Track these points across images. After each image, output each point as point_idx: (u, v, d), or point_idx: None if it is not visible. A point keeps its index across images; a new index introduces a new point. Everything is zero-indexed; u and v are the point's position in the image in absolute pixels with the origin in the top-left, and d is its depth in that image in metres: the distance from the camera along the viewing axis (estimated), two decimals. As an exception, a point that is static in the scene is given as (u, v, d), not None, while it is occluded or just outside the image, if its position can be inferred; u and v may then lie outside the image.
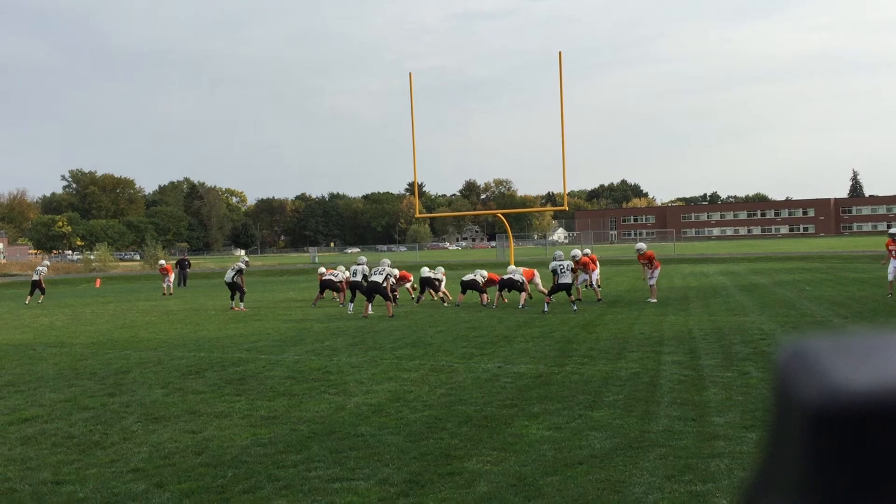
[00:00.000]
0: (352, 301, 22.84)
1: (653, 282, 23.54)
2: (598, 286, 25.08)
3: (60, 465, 7.57)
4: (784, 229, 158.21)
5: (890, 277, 21.41)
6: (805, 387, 0.52)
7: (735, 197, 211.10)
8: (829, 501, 0.50)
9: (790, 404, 0.53)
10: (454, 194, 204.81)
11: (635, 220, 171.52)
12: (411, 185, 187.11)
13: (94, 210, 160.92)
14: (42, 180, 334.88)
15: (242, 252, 32.37)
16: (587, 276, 24.97)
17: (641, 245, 24.86)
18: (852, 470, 0.49)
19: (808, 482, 0.51)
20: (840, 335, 0.56)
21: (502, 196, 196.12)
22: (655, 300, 22.75)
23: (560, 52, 36.31)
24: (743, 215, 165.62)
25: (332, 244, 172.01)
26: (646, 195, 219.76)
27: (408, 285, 27.64)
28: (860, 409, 0.49)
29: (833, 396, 0.50)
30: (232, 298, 25.41)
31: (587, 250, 26.90)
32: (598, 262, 25.98)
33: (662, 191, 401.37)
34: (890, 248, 21.62)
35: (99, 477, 7.13)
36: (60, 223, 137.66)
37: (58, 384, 12.07)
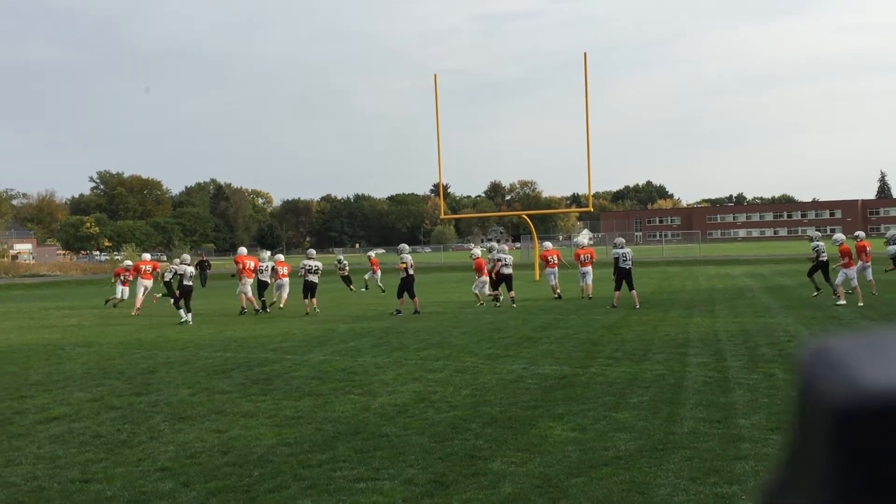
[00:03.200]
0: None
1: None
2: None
3: (88, 463, 7.65)
4: (811, 230, 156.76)
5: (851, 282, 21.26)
6: (829, 385, 0.52)
7: (761, 198, 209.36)
8: (853, 499, 0.50)
9: (814, 403, 0.53)
10: (479, 195, 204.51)
11: (661, 221, 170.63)
12: (436, 186, 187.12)
13: (121, 211, 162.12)
14: (70, 182, 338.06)
15: (268, 253, 31.68)
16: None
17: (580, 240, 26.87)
18: (876, 468, 0.50)
19: (832, 480, 0.51)
20: (863, 334, 0.56)
21: (527, 197, 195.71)
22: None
23: (585, 53, 36.24)
24: (769, 216, 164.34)
25: (357, 245, 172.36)
26: (671, 196, 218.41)
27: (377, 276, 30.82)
28: (884, 407, 0.49)
29: (857, 394, 0.50)
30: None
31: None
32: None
33: (688, 192, 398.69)
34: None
35: (126, 476, 7.20)
36: (88, 224, 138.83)
37: (86, 383, 12.19)
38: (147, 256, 29.46)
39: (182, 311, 22.01)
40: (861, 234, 23.52)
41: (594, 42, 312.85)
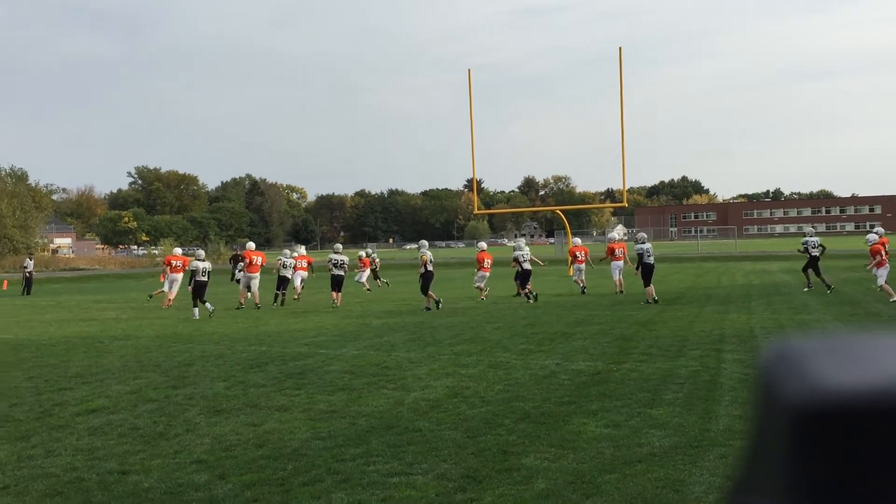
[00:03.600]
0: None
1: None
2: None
3: (126, 455, 7.74)
4: (850, 226, 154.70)
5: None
6: (789, 386, 0.52)
7: (799, 193, 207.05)
8: (813, 500, 0.51)
9: (774, 404, 0.53)
10: (513, 191, 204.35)
11: (696, 216, 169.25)
12: (470, 181, 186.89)
13: (158, 206, 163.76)
14: (109, 177, 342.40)
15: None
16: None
17: (576, 240, 27.61)
18: (836, 469, 0.50)
19: (793, 482, 0.52)
20: (825, 336, 0.57)
21: (561, 192, 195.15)
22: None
23: (620, 48, 36.04)
24: (807, 212, 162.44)
25: (390, 240, 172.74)
26: (707, 192, 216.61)
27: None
28: (844, 409, 0.50)
29: (817, 396, 0.50)
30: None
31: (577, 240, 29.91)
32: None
33: (724, 187, 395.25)
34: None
35: (163, 467, 7.28)
36: (126, 219, 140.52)
37: (123, 376, 12.34)
38: (178, 251, 29.34)
39: (196, 310, 22.12)
40: (873, 236, 22.46)
41: (628, 36, 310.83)
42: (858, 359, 0.53)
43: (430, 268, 22.64)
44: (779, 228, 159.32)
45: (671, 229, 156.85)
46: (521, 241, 26.85)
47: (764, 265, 43.08)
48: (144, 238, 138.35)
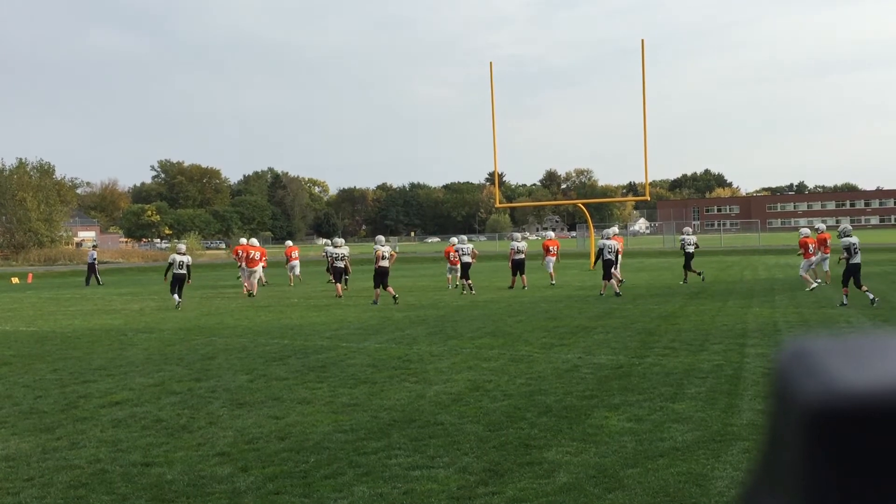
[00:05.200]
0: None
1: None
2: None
3: (149, 447, 7.79)
4: (875, 220, 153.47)
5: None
6: (804, 386, 0.52)
7: (823, 186, 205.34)
8: (828, 501, 0.50)
9: (789, 404, 0.53)
10: (535, 184, 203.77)
11: (719, 210, 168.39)
12: (491, 174, 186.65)
13: (181, 199, 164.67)
14: (132, 170, 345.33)
15: (328, 241, 32.26)
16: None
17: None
18: (850, 469, 0.50)
19: (807, 482, 0.51)
20: (840, 336, 0.56)
21: (583, 186, 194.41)
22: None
23: (643, 40, 35.84)
24: (831, 205, 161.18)
25: (412, 234, 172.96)
26: (730, 185, 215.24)
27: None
28: (859, 409, 0.49)
29: (832, 396, 0.50)
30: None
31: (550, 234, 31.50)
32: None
33: (747, 180, 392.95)
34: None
35: (186, 460, 7.33)
36: (150, 212, 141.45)
37: (147, 369, 12.43)
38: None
39: (175, 296, 23.43)
40: (822, 226, 24.84)
41: (650, 28, 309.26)
42: (874, 359, 0.52)
43: (382, 263, 23.23)
44: (802, 222, 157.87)
45: (694, 223, 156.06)
46: (517, 235, 28.83)
47: (787, 259, 42.77)
48: (167, 231, 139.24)
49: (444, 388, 10.17)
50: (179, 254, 24.20)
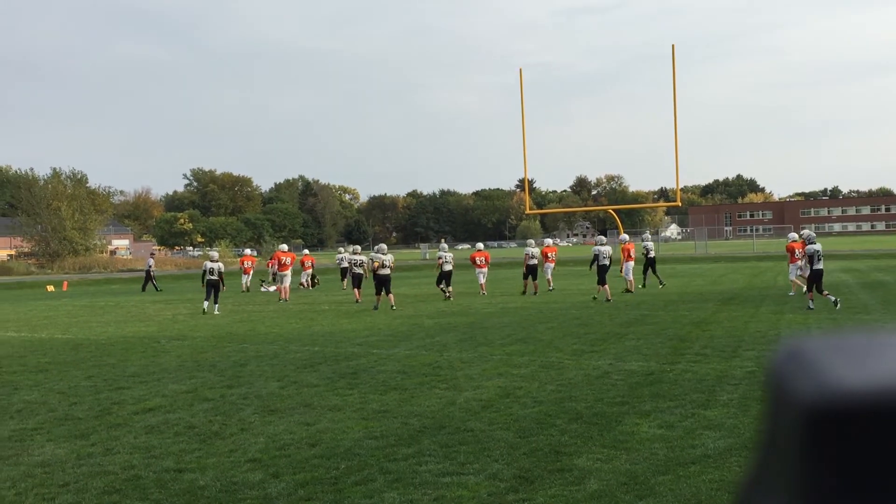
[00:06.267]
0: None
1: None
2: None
3: (182, 453, 7.86)
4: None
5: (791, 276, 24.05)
6: (800, 385, 0.52)
7: (857, 191, 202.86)
8: (824, 500, 0.50)
9: (785, 403, 0.53)
10: (565, 190, 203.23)
11: (751, 215, 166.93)
12: (522, 181, 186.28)
13: (213, 207, 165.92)
14: (165, 179, 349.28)
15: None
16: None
17: (624, 236, 28.64)
18: (846, 468, 0.50)
19: (803, 481, 0.51)
20: (836, 335, 0.56)
21: (613, 192, 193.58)
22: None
23: (673, 45, 35.73)
24: (866, 210, 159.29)
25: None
26: (762, 190, 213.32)
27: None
28: (854, 408, 0.49)
29: (827, 395, 0.50)
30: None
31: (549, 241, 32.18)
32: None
33: (780, 185, 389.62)
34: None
35: (218, 466, 7.38)
36: (182, 220, 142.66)
37: (179, 375, 12.53)
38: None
39: (206, 303, 24.44)
40: (794, 235, 25.88)
41: (680, 33, 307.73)
42: (870, 358, 0.53)
43: (382, 271, 23.98)
44: (837, 227, 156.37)
45: (726, 228, 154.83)
46: (532, 241, 29.96)
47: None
48: (199, 239, 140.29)
49: (475, 395, 10.17)
50: (212, 261, 24.78)
